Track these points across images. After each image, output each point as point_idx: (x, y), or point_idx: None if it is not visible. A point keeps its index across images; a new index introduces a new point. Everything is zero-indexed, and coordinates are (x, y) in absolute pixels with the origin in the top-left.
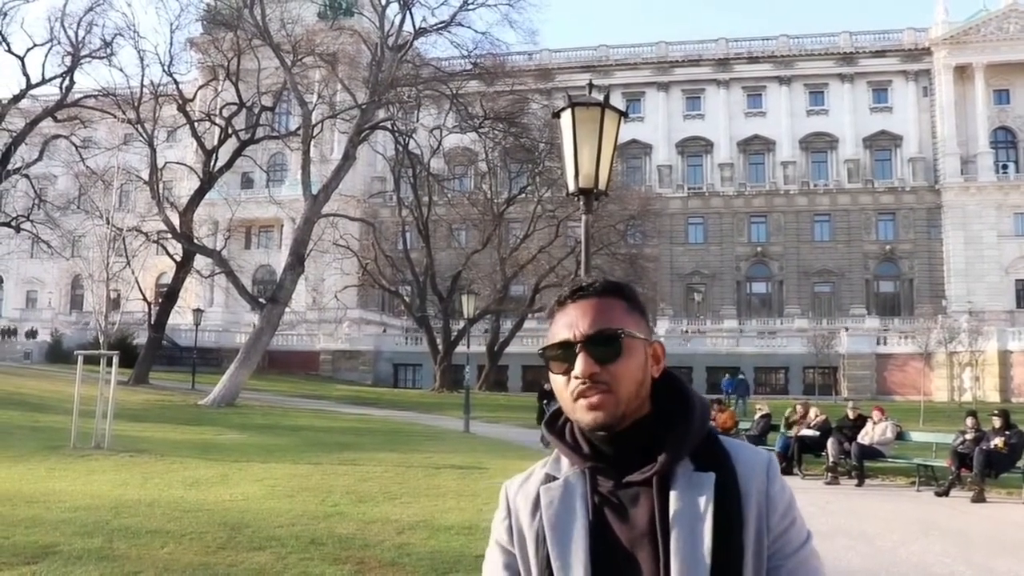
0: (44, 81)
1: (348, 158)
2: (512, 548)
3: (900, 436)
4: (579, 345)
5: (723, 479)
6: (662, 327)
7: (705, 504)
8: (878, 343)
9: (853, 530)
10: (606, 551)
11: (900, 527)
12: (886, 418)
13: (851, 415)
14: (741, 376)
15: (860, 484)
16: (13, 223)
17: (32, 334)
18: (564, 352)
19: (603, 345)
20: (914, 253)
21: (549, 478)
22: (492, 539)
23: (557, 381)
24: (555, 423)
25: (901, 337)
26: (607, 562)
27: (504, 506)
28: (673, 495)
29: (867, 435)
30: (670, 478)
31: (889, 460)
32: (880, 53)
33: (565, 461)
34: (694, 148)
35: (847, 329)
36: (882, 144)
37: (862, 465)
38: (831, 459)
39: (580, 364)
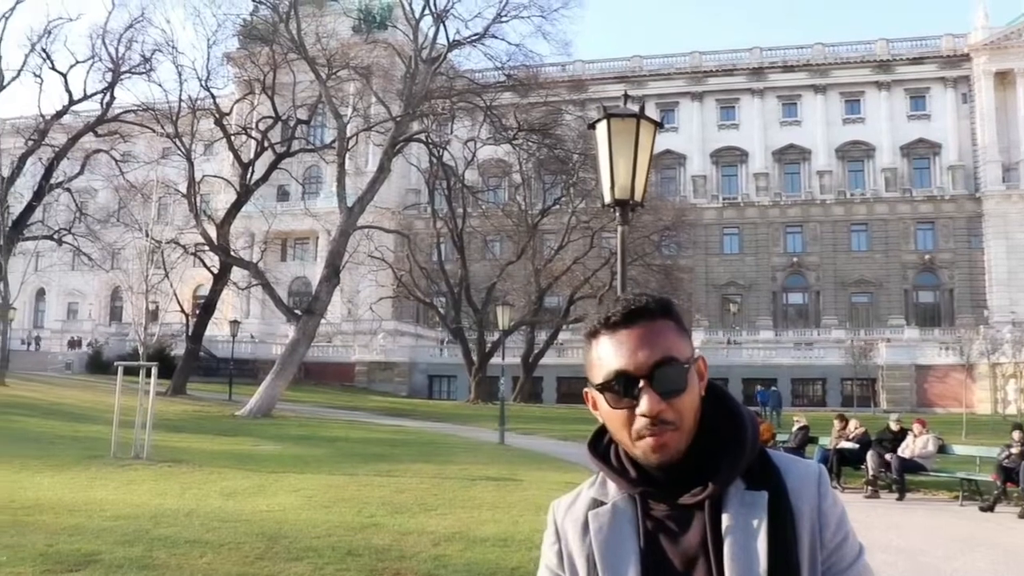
0: (85, 97)
1: (383, 170)
2: (563, 573)
3: (942, 449)
4: (643, 380)
5: (775, 497)
6: (697, 338)
7: (759, 524)
8: (917, 354)
9: (895, 545)
10: (658, 573)
11: (944, 543)
12: (927, 431)
13: (894, 427)
14: (774, 388)
15: (901, 498)
16: (55, 236)
17: (76, 343)
18: (623, 385)
19: (669, 379)
20: (954, 263)
21: (596, 503)
22: (543, 563)
23: (612, 416)
24: (597, 444)
25: (942, 348)
26: None
27: (552, 530)
28: (726, 516)
29: (908, 448)
30: (722, 498)
31: (931, 474)
32: (918, 60)
33: (612, 485)
34: (729, 158)
35: (887, 340)
36: (920, 152)
37: (903, 479)
38: (871, 472)
39: (647, 403)
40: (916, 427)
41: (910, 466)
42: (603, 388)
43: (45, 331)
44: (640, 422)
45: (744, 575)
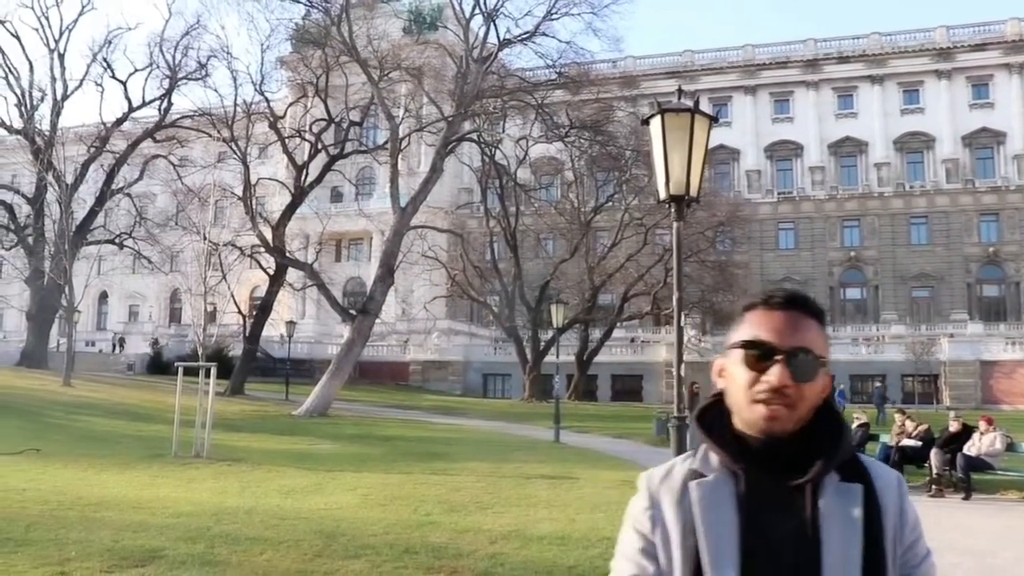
0: (144, 104)
1: (435, 170)
2: (653, 537)
3: (1010, 447)
4: (783, 355)
5: (868, 491)
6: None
7: (856, 513)
8: (982, 349)
9: (961, 546)
10: (756, 549)
11: (1013, 544)
12: (994, 428)
13: (954, 427)
14: (879, 384)
15: (967, 498)
16: (117, 240)
17: (155, 342)
18: (762, 353)
19: (804, 365)
20: (1020, 255)
21: (697, 474)
22: (630, 526)
23: (738, 375)
24: (704, 418)
25: (1008, 343)
26: (757, 560)
27: (646, 496)
28: (824, 502)
29: (974, 446)
30: (820, 486)
31: (999, 473)
32: (980, 47)
33: (714, 458)
34: (783, 152)
35: (950, 336)
36: (983, 142)
37: (969, 478)
38: (935, 471)
39: (777, 373)
40: (983, 424)
41: (976, 464)
42: (745, 346)
43: (107, 332)
44: (763, 387)
45: (841, 560)
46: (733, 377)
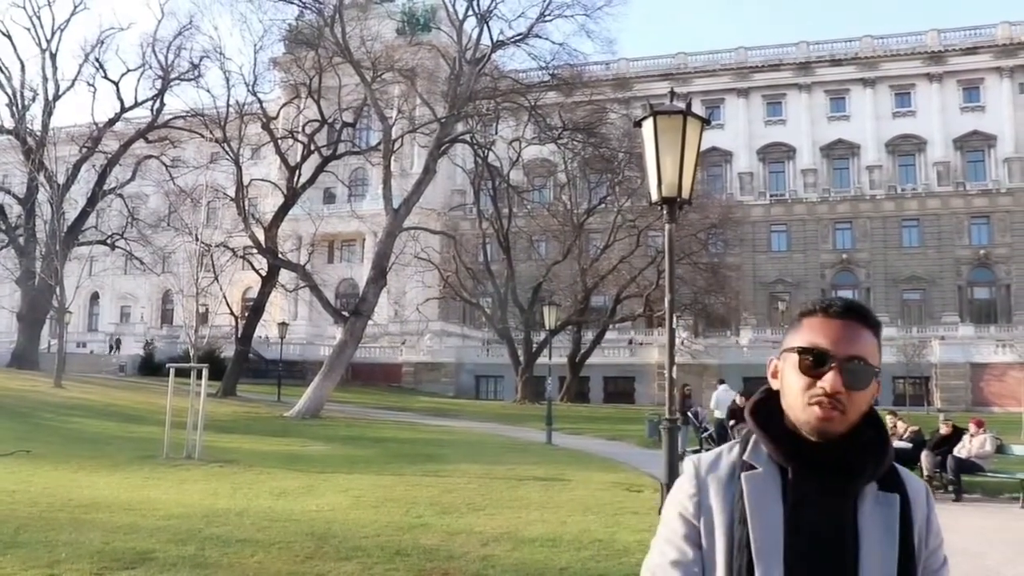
0: (136, 104)
1: (428, 172)
2: (697, 523)
3: (1000, 450)
4: (838, 363)
5: (903, 501)
6: (745, 336)
7: (894, 522)
8: (973, 352)
9: (953, 547)
10: (799, 545)
11: (1004, 545)
12: (984, 430)
13: (944, 430)
14: None
15: (958, 499)
16: (108, 241)
17: (149, 344)
18: (817, 359)
19: (858, 374)
20: (1011, 258)
21: (748, 466)
22: (674, 509)
23: (793, 380)
24: (758, 412)
25: (998, 345)
26: (800, 555)
27: (693, 482)
28: (865, 508)
29: (964, 448)
30: (861, 493)
31: (989, 475)
32: (971, 50)
33: (764, 451)
34: (775, 154)
35: (941, 338)
36: (974, 145)
37: (959, 479)
38: (926, 472)
39: (832, 380)
40: (972, 427)
41: (967, 466)
42: (802, 351)
43: (99, 334)
44: (818, 392)
45: (878, 562)
46: (788, 380)
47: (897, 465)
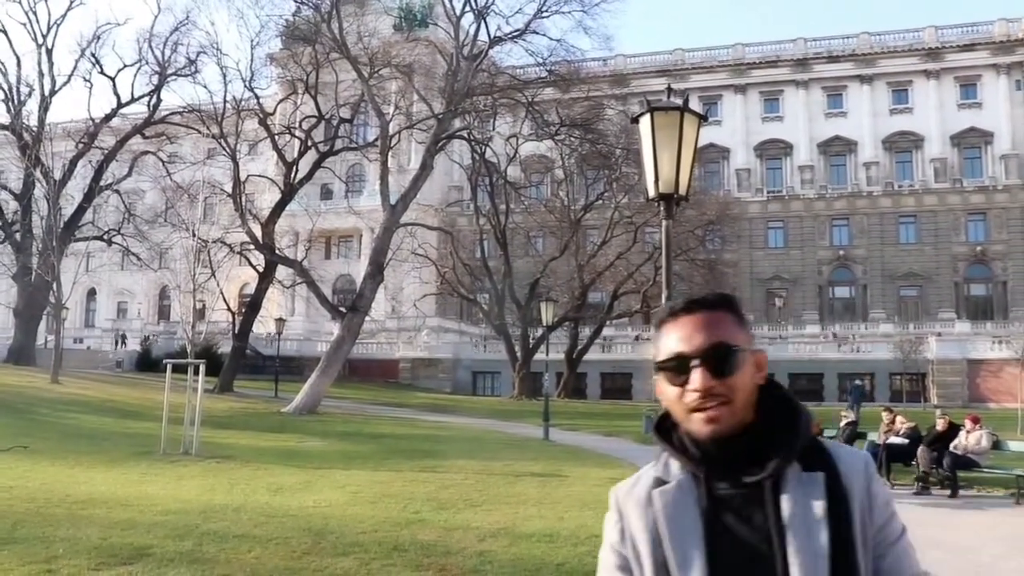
0: (133, 100)
1: (425, 168)
2: (624, 550)
3: (996, 446)
4: (697, 360)
5: (831, 478)
6: None
7: (818, 503)
8: (969, 348)
9: (947, 542)
10: (722, 551)
11: (998, 541)
12: (980, 426)
13: (940, 426)
14: (858, 382)
15: (954, 495)
16: (105, 237)
17: (146, 339)
18: (679, 365)
19: (721, 360)
20: (1008, 254)
21: (660, 481)
22: (605, 541)
23: (669, 392)
24: (662, 426)
25: (995, 342)
26: (724, 562)
27: (615, 510)
28: (786, 496)
29: (960, 444)
30: (781, 479)
31: (985, 471)
32: (968, 47)
33: (675, 464)
34: (773, 151)
35: (938, 334)
36: (971, 142)
37: (955, 475)
38: (922, 468)
39: (698, 378)
40: (968, 423)
41: (963, 462)
42: (661, 367)
43: (96, 329)
44: (691, 396)
45: (807, 551)
46: (665, 395)
47: (827, 440)
